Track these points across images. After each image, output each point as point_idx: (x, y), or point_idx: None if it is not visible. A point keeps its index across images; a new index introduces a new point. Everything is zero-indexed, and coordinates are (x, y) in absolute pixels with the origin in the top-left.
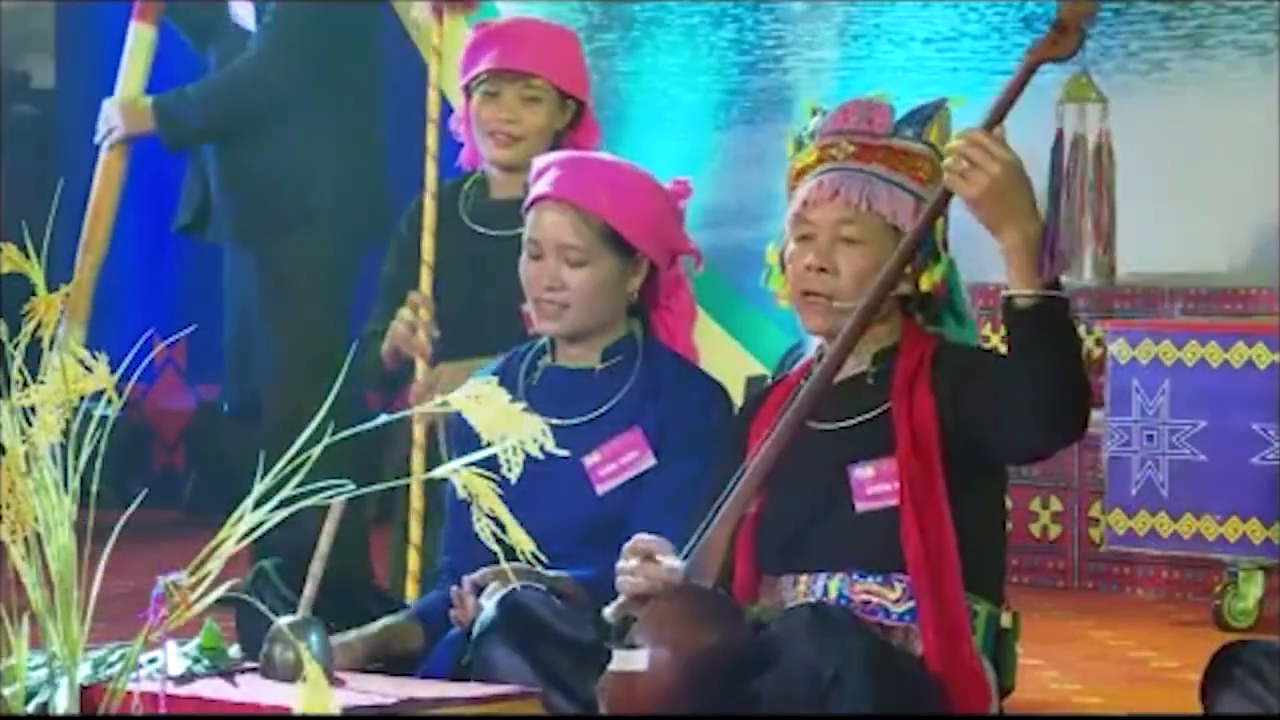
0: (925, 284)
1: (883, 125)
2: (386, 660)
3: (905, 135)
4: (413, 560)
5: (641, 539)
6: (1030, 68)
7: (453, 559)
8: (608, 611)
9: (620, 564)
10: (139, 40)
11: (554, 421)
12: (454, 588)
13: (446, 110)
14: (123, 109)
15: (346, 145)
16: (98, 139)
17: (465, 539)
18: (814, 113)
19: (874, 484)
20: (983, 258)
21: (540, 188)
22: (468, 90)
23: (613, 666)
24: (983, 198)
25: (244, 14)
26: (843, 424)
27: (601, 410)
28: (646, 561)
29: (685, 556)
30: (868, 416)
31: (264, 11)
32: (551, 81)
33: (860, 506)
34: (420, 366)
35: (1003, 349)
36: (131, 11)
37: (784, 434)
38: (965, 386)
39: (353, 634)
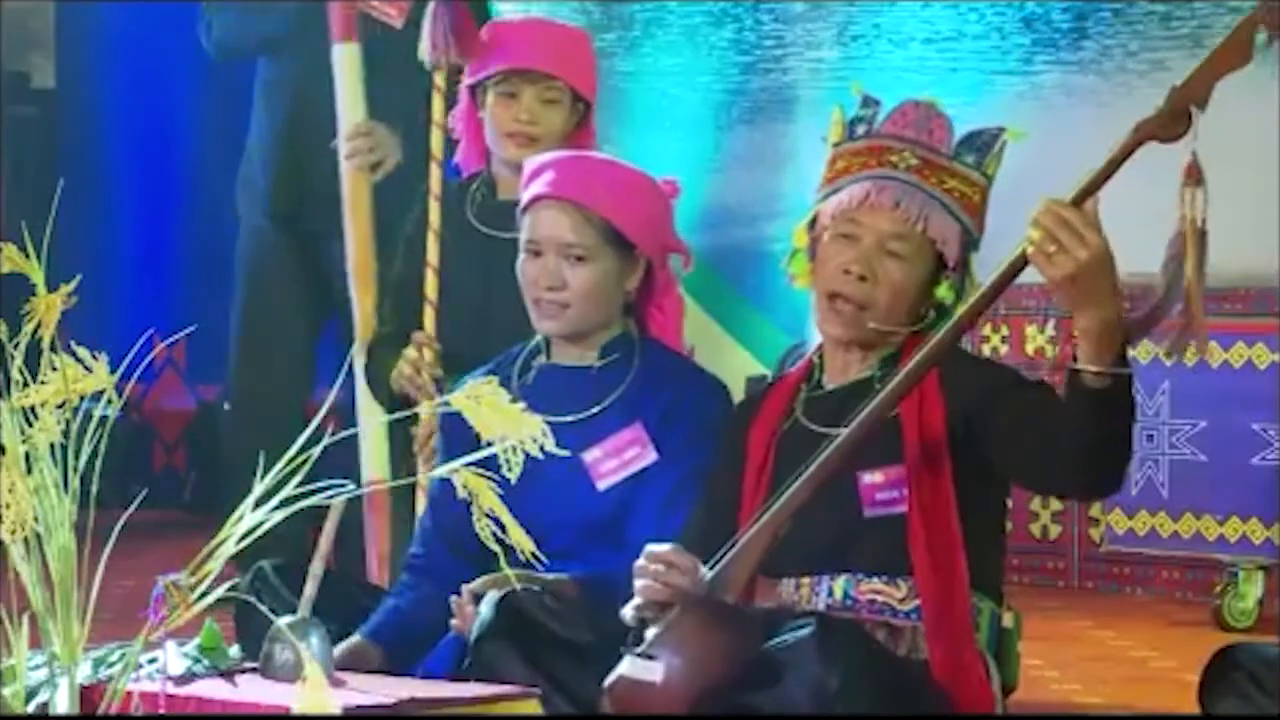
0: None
1: (942, 139)
2: None
3: (966, 161)
4: None
5: (673, 550)
6: (1133, 146)
7: (424, 555)
8: (626, 612)
9: (640, 564)
10: (347, 60)
11: (551, 419)
12: (453, 597)
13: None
14: (391, 137)
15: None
16: (357, 164)
17: (440, 537)
18: (866, 102)
19: (882, 490)
20: (983, 256)
21: (537, 188)
22: (473, 89)
23: (625, 671)
24: (1066, 284)
25: (388, 10)
26: (849, 427)
27: (600, 407)
28: (670, 569)
29: (711, 568)
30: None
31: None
32: (569, 83)
33: (869, 512)
34: (425, 407)
35: (1002, 349)
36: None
37: (829, 461)
38: (990, 410)
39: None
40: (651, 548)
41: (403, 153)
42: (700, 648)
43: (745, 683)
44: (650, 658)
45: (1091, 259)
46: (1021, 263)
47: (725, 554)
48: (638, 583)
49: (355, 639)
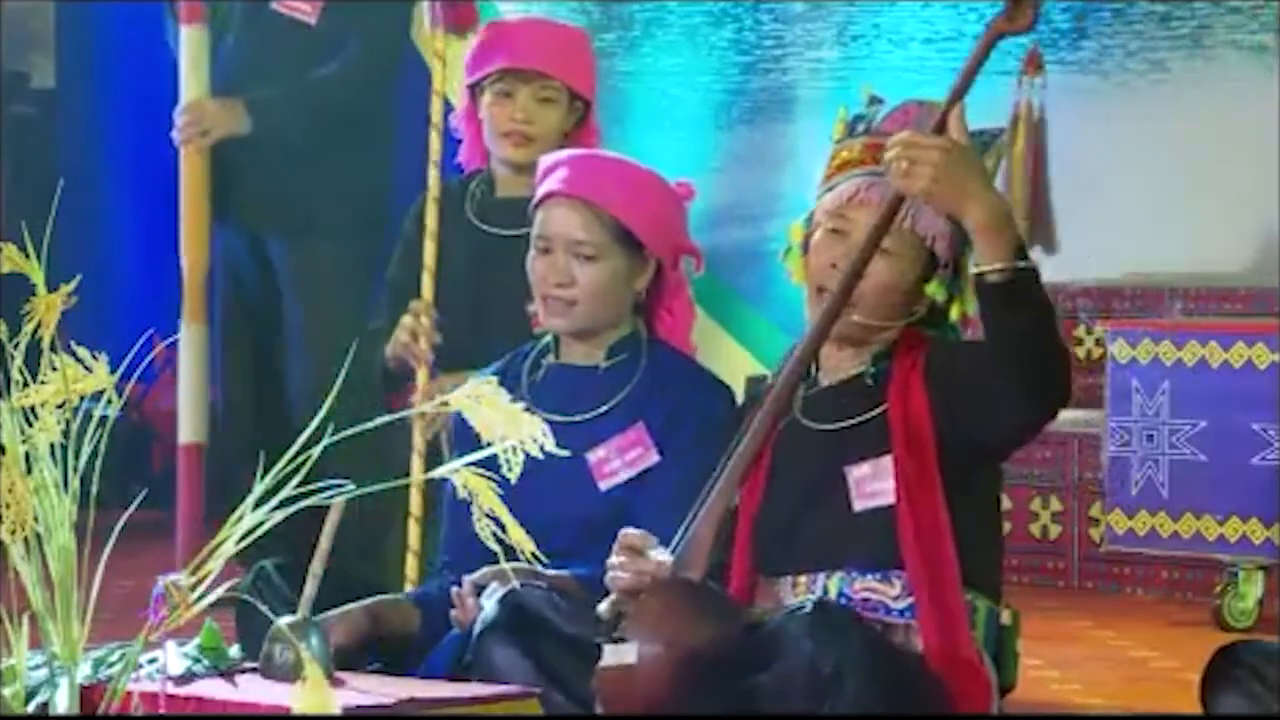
0: (954, 314)
1: None
2: (382, 639)
3: None
4: (410, 566)
5: (630, 533)
6: (987, 45)
7: (450, 558)
8: (601, 608)
9: (610, 560)
10: (193, 43)
11: (558, 418)
12: (454, 588)
13: (448, 115)
14: (220, 109)
15: (366, 153)
16: (182, 139)
17: (463, 540)
18: (871, 101)
19: (871, 483)
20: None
21: (550, 185)
22: (472, 89)
23: (604, 661)
24: (932, 188)
25: (303, 7)
26: (841, 424)
27: (606, 407)
28: (636, 556)
29: (673, 551)
30: (866, 417)
31: (340, 12)
32: (565, 83)
33: (858, 505)
34: (421, 374)
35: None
36: (179, 15)
37: (762, 426)
38: (954, 376)
39: (348, 608)
40: (620, 535)
41: (248, 124)
42: (668, 623)
43: (740, 665)
44: (623, 640)
45: (943, 158)
46: (898, 197)
47: (681, 537)
48: (608, 575)
49: (398, 595)
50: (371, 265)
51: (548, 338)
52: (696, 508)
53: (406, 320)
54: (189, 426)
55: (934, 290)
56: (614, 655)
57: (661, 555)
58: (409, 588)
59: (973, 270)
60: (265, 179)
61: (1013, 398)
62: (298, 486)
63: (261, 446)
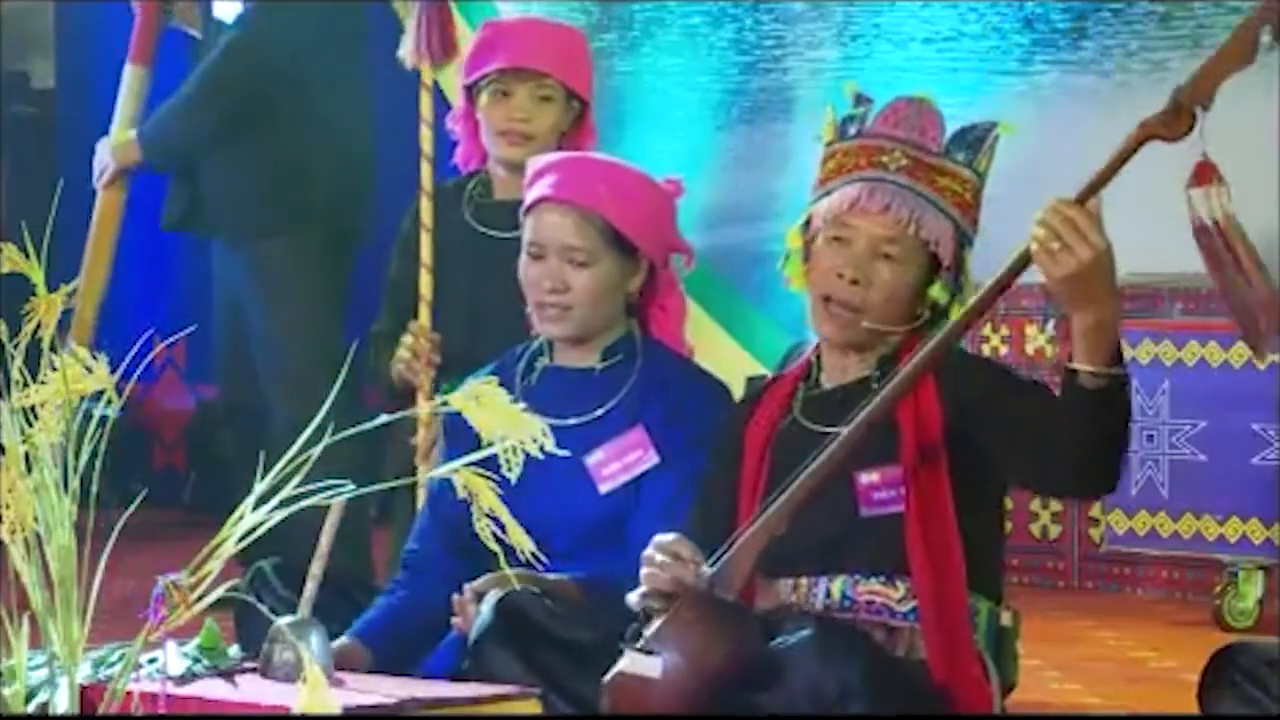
0: (955, 314)
1: (934, 139)
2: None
3: (957, 159)
4: None
5: (677, 540)
6: (1136, 143)
7: (419, 551)
8: (630, 598)
9: (648, 554)
10: (133, 81)
11: (554, 421)
12: (455, 595)
13: (440, 112)
14: (112, 148)
15: (337, 145)
16: (95, 181)
17: (436, 533)
18: (858, 101)
19: (880, 490)
20: (982, 256)
21: (540, 189)
22: (469, 89)
23: (624, 666)
24: (1068, 281)
25: (226, 10)
26: (845, 427)
27: (602, 410)
28: (676, 561)
29: (710, 565)
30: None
31: (245, 9)
32: (563, 82)
33: (865, 512)
34: (421, 398)
35: (1002, 349)
36: (131, 53)
37: (829, 464)
38: (987, 409)
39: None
40: (660, 538)
41: (138, 152)
42: (699, 644)
43: (745, 683)
44: (649, 652)
45: (1094, 259)
46: (1024, 261)
47: (722, 554)
48: (644, 571)
49: (343, 640)
50: (341, 258)
51: (540, 339)
52: (743, 529)
53: (407, 340)
54: None
55: (938, 293)
56: (635, 665)
57: (703, 568)
58: None
59: (1067, 365)
60: (205, 184)
61: (1068, 481)
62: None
63: (245, 448)
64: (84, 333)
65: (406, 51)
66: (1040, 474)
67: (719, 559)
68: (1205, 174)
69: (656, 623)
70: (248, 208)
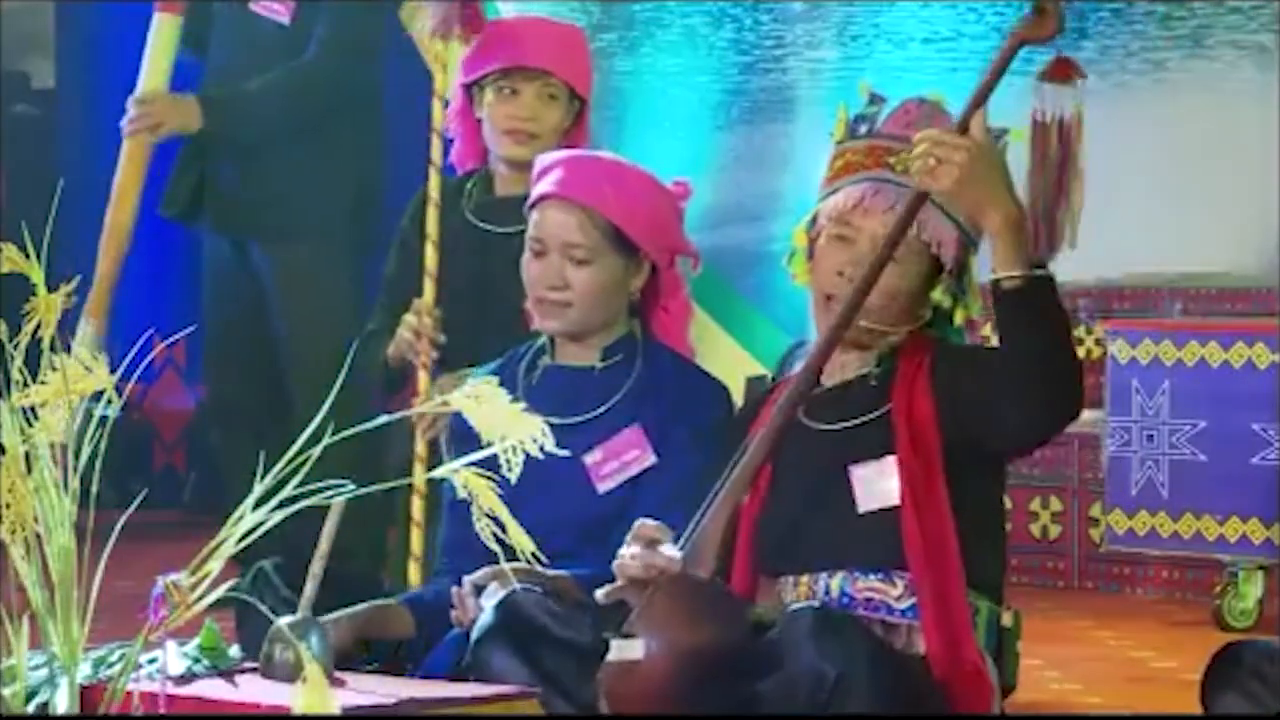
0: (959, 318)
1: None
2: (373, 645)
3: None
4: (413, 572)
5: (646, 525)
6: (1010, 51)
7: (451, 561)
8: (599, 594)
9: (622, 549)
10: (163, 31)
11: (554, 420)
12: (454, 588)
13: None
14: (173, 104)
15: (351, 149)
16: (129, 129)
17: (463, 543)
18: (872, 100)
19: (876, 484)
20: (982, 256)
21: (544, 186)
22: (469, 88)
23: (610, 656)
24: (956, 188)
25: (276, 8)
26: (845, 424)
27: (602, 409)
28: (648, 548)
29: (681, 548)
30: (870, 417)
31: (315, 10)
32: (567, 81)
33: (863, 507)
34: (421, 377)
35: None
36: (152, 6)
37: (774, 427)
38: (961, 380)
39: (340, 614)
40: (636, 526)
41: (200, 120)
42: (677, 621)
43: (744, 671)
44: (630, 636)
45: (969, 159)
46: (920, 195)
47: (690, 533)
48: (617, 563)
49: (391, 600)
50: (359, 264)
51: (543, 338)
52: (705, 506)
53: (409, 319)
54: None
55: (939, 295)
56: (620, 651)
57: (673, 551)
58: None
59: (989, 276)
60: (239, 182)
61: (1024, 406)
62: (297, 487)
63: (262, 449)
64: (103, 297)
65: (426, 28)
66: (1001, 412)
67: (687, 538)
68: (1063, 69)
69: (635, 609)
70: (293, 209)
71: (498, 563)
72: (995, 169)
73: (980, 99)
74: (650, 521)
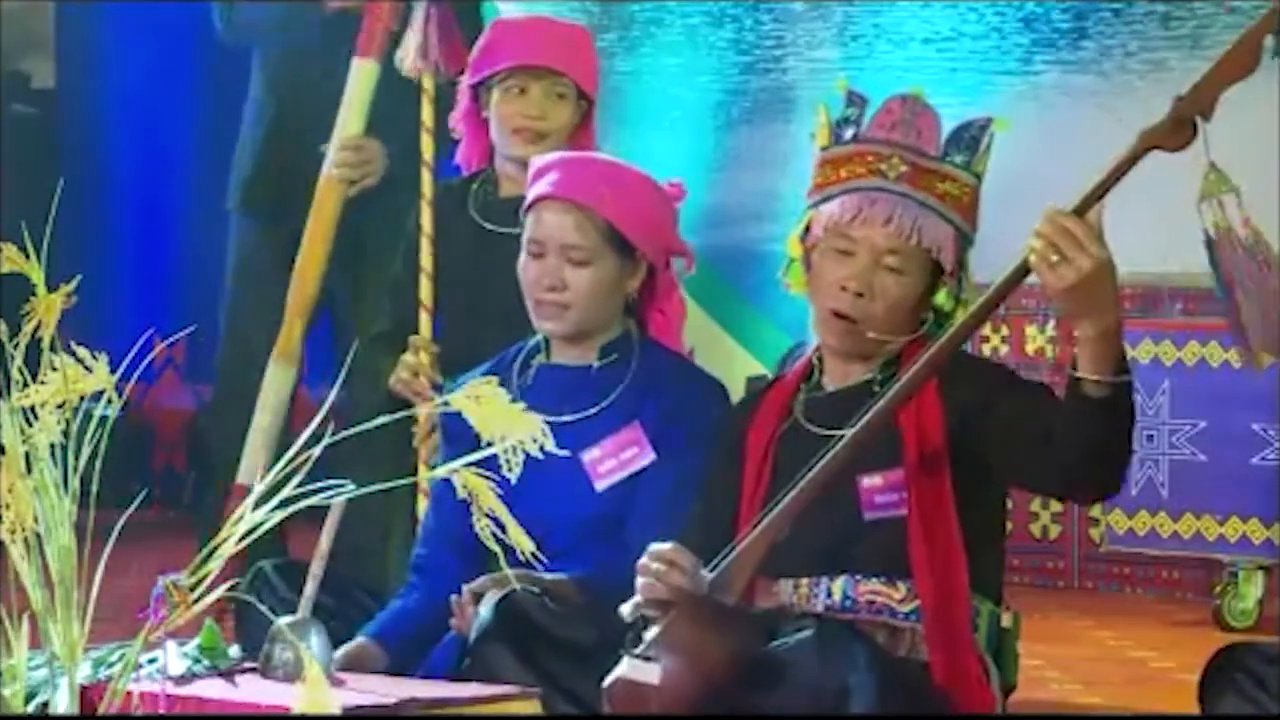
0: (958, 318)
1: (931, 141)
2: None
3: (955, 161)
4: None
5: (675, 549)
6: (1138, 154)
7: (427, 554)
8: (624, 609)
9: (643, 563)
10: (362, 77)
11: (550, 419)
12: (454, 596)
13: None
14: (383, 154)
15: None
16: (340, 174)
17: (443, 536)
18: (850, 100)
19: (882, 493)
20: (982, 256)
21: (541, 188)
22: (474, 88)
23: (623, 672)
24: (1068, 291)
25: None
26: (847, 431)
27: (599, 407)
28: (671, 569)
29: (711, 570)
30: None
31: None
32: (575, 80)
33: (868, 515)
34: (422, 417)
35: (1002, 349)
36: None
37: (831, 470)
38: (987, 410)
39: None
40: (655, 546)
41: (384, 169)
42: (698, 649)
43: (745, 685)
44: (648, 659)
45: (1093, 269)
46: (1023, 271)
47: (724, 558)
48: (639, 581)
49: (359, 640)
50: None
51: (536, 339)
52: (746, 532)
53: (407, 359)
54: (249, 468)
55: (942, 300)
56: (635, 670)
57: (702, 574)
58: None
59: (1072, 373)
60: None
61: (1071, 486)
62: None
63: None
64: (291, 343)
65: (407, 57)
66: (1042, 477)
67: (719, 564)
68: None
69: (655, 629)
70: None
71: (478, 556)
72: (1109, 281)
73: (1098, 196)
74: (669, 544)
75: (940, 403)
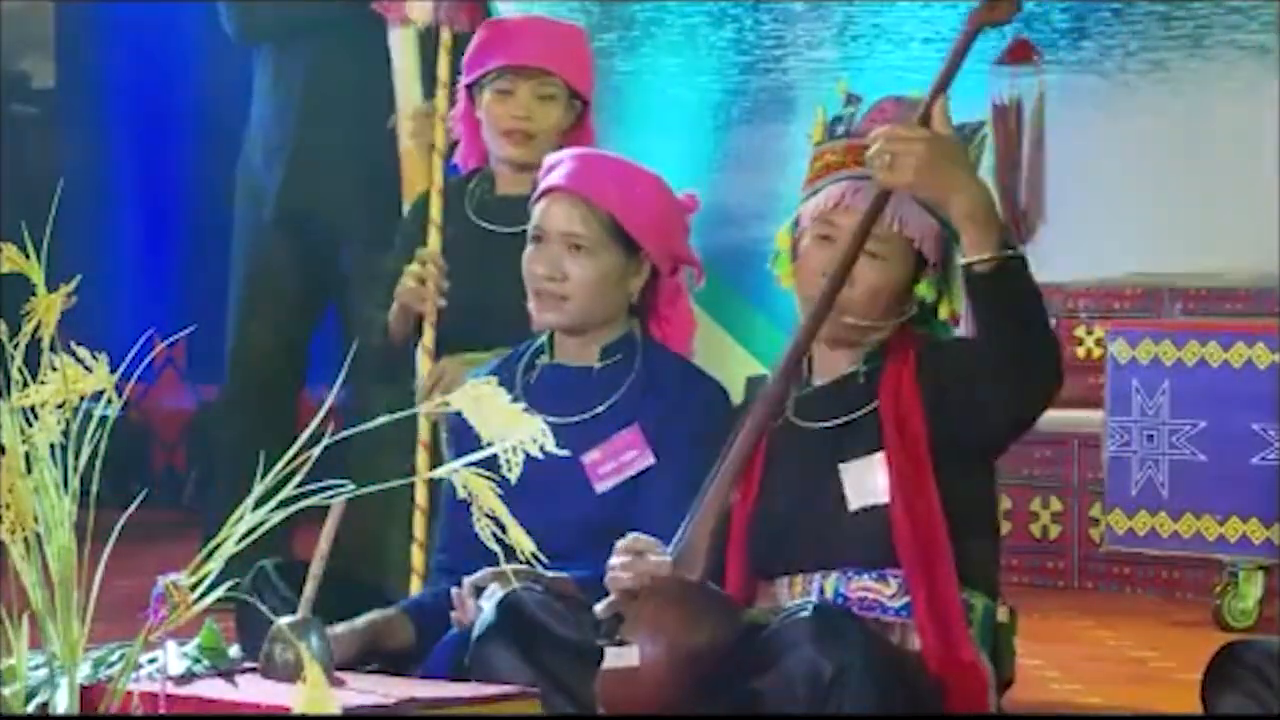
0: (944, 313)
1: None
2: (377, 656)
3: None
4: (416, 557)
5: (633, 537)
6: (969, 37)
7: (448, 558)
8: (598, 609)
9: (611, 560)
10: (405, 44)
11: (552, 420)
12: (454, 589)
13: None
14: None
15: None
16: (415, 143)
17: (461, 538)
18: (849, 100)
19: (865, 480)
20: None
21: (551, 179)
22: (469, 88)
23: (606, 664)
24: (916, 180)
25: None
26: (834, 422)
27: (600, 408)
28: (636, 558)
29: (671, 552)
30: (858, 414)
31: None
32: (565, 80)
33: (853, 504)
34: (422, 360)
35: None
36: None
37: (752, 428)
38: (945, 373)
39: (341, 627)
40: (619, 543)
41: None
42: (670, 624)
43: (741, 667)
44: (626, 643)
45: (926, 150)
46: (881, 196)
47: (679, 537)
48: (608, 577)
49: (391, 610)
50: None
51: (541, 338)
52: (693, 509)
53: (413, 268)
54: None
55: (924, 290)
56: (616, 658)
57: (660, 556)
58: (415, 580)
59: (960, 261)
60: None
61: (1004, 388)
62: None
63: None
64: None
65: (422, 10)
66: (984, 395)
67: (676, 542)
68: (1022, 51)
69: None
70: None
71: (495, 558)
72: (956, 157)
73: (939, 88)
74: (639, 535)
75: (916, 385)
